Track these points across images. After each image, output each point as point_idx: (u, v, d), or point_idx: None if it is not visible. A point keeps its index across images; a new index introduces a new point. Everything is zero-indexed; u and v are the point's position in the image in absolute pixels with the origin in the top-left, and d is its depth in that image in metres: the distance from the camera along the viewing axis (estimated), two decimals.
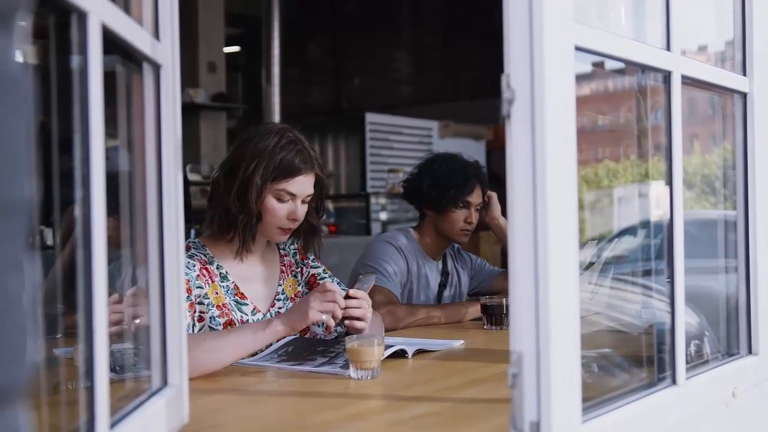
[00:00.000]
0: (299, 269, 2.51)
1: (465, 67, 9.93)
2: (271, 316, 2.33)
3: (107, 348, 1.07)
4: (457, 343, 2.42)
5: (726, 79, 1.84)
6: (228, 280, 2.30)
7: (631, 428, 1.43)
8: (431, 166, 3.15)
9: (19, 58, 0.60)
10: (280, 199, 2.28)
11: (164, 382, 1.41)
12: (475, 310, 2.91)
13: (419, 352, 2.25)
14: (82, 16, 1.03)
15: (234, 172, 2.26)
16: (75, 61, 1.06)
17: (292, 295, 2.45)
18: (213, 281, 2.27)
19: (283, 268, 2.47)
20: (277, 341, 2.21)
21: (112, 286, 1.15)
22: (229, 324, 2.24)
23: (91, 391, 1.04)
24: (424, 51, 10.62)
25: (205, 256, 2.29)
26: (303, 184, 2.29)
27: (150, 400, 1.33)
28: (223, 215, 2.28)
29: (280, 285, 2.43)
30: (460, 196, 3.08)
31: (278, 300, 2.41)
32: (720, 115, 2.05)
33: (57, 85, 1.08)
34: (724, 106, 1.98)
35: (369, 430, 1.56)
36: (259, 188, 2.24)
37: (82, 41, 1.04)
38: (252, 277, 2.37)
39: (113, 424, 1.13)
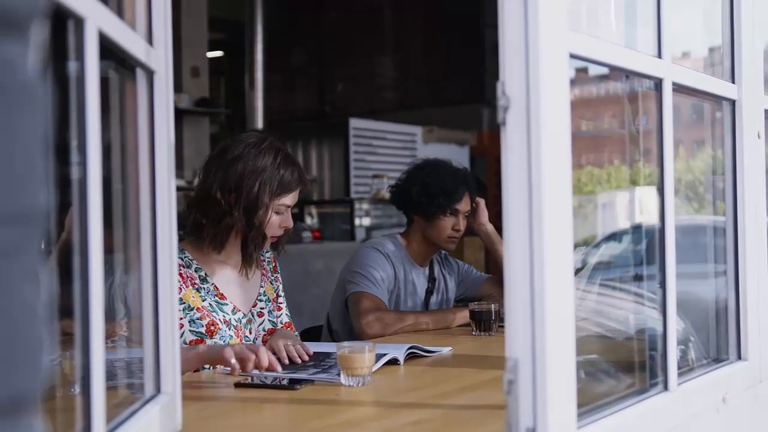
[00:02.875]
0: (274, 277, 2.60)
1: (449, 73, 9.96)
2: (252, 315, 2.43)
3: (104, 356, 1.06)
4: (446, 350, 2.42)
5: (715, 86, 1.85)
6: (208, 282, 2.35)
7: None
8: (421, 172, 3.15)
9: (34, 66, 0.60)
10: (277, 213, 2.37)
11: (157, 389, 1.41)
12: (463, 316, 2.91)
13: (411, 357, 2.25)
14: (79, 22, 1.03)
15: (236, 190, 2.30)
16: (71, 66, 1.06)
17: (272, 298, 2.54)
18: (188, 285, 2.30)
19: (264, 271, 2.54)
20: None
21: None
22: (211, 324, 2.29)
23: (87, 398, 1.03)
24: (407, 56, 10.63)
25: (182, 259, 2.31)
26: (296, 196, 2.42)
27: (144, 407, 1.33)
28: (224, 232, 2.33)
29: (262, 287, 2.51)
30: (449, 204, 3.07)
31: (260, 300, 2.48)
32: (704, 121, 2.06)
33: (52, 90, 1.07)
34: (712, 112, 2.00)
35: None
36: (266, 207, 2.32)
37: (79, 47, 1.04)
38: (233, 280, 2.42)
39: None
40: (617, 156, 2.12)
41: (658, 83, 1.58)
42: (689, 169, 2.17)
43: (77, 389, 1.19)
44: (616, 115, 2.00)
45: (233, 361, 1.95)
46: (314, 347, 2.32)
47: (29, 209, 0.58)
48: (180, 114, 7.64)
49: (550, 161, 1.20)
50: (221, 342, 2.28)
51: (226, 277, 2.41)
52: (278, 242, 2.48)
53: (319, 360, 2.20)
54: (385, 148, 8.54)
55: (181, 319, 2.24)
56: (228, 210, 2.30)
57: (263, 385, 1.93)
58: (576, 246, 2.18)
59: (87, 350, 1.03)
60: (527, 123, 1.20)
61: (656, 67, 1.56)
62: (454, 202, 3.08)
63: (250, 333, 2.41)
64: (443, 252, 3.30)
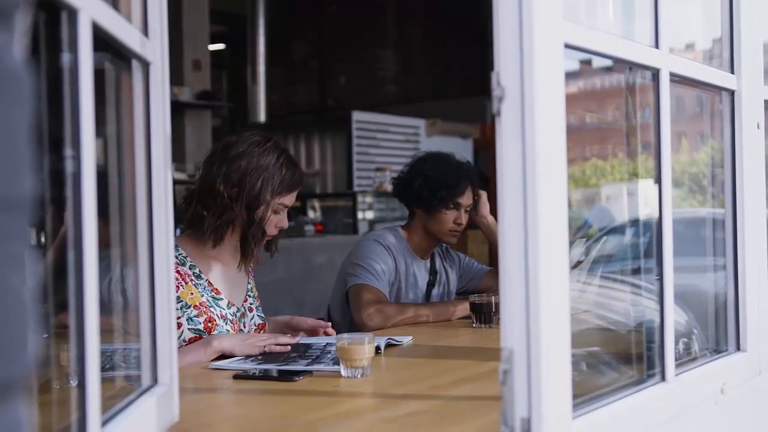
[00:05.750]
0: (254, 277, 2.64)
1: (451, 65, 9.96)
2: (245, 309, 2.48)
3: (98, 347, 1.06)
4: (407, 339, 2.46)
5: (714, 77, 1.84)
6: (202, 279, 2.38)
7: (622, 424, 1.43)
8: (423, 165, 3.15)
9: (19, 55, 0.60)
10: (275, 212, 2.40)
11: (154, 380, 1.41)
12: (463, 309, 2.91)
13: (388, 346, 2.30)
14: (73, 13, 1.03)
15: (238, 185, 2.33)
16: (65, 58, 1.06)
17: (256, 295, 2.59)
18: (187, 282, 2.33)
19: (250, 269, 2.58)
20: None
21: (100, 286, 1.15)
22: (209, 321, 2.32)
23: (82, 389, 1.04)
24: (409, 49, 10.63)
25: (176, 257, 2.32)
26: (294, 197, 2.46)
27: (140, 398, 1.33)
28: (225, 225, 2.35)
29: (249, 283, 2.56)
30: (451, 198, 3.07)
31: (249, 296, 2.53)
32: (707, 112, 2.06)
33: (45, 82, 1.07)
34: (712, 103, 1.99)
35: (360, 429, 1.56)
36: (267, 204, 2.35)
37: (73, 38, 1.04)
38: (224, 276, 2.46)
39: (104, 422, 1.12)
40: (621, 148, 2.11)
41: (655, 74, 1.58)
42: (693, 162, 2.16)
43: (76, 381, 1.20)
44: (620, 108, 2.00)
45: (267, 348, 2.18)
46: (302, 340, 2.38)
47: (14, 196, 0.58)
48: (182, 107, 7.64)
49: (544, 152, 1.20)
50: None
51: (218, 272, 2.44)
52: (272, 242, 2.50)
53: (303, 351, 2.20)
54: (388, 141, 8.54)
55: (179, 318, 2.26)
56: (229, 204, 2.33)
57: (261, 377, 1.93)
58: (580, 238, 2.18)
59: (81, 341, 1.04)
60: (521, 114, 1.20)
61: (653, 58, 1.56)
62: (456, 196, 3.08)
63: (244, 327, 2.45)
64: (444, 245, 3.30)
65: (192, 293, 2.33)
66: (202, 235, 2.37)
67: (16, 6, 0.59)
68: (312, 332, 2.51)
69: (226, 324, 2.36)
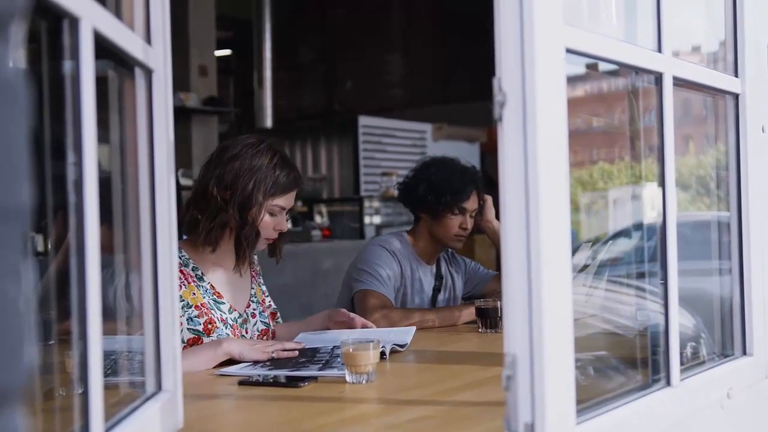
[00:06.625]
0: (260, 281, 2.63)
1: (457, 69, 9.94)
2: (247, 315, 2.47)
3: (101, 354, 1.07)
4: (410, 330, 2.50)
5: (718, 80, 1.84)
6: (204, 281, 2.39)
7: (626, 429, 1.43)
8: (428, 170, 3.14)
9: (15, 63, 0.60)
10: (271, 214, 2.40)
11: (158, 387, 1.41)
12: (469, 313, 2.90)
13: (393, 352, 2.30)
14: (74, 22, 1.03)
15: (231, 187, 2.34)
16: (67, 66, 1.06)
17: (261, 300, 2.57)
18: (189, 282, 2.35)
19: (254, 273, 2.58)
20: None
21: (105, 293, 1.15)
22: (209, 323, 2.33)
23: (85, 396, 1.04)
24: (415, 53, 10.62)
25: (180, 259, 2.33)
26: (292, 199, 2.45)
27: (144, 404, 1.33)
28: (219, 228, 2.35)
29: (253, 288, 2.55)
30: (456, 203, 3.07)
31: (252, 302, 2.53)
32: (714, 115, 2.05)
33: (48, 90, 1.08)
34: (717, 107, 1.99)
35: None
36: (260, 205, 2.35)
37: (74, 46, 1.04)
38: (227, 280, 2.46)
39: (108, 429, 1.13)
40: (628, 152, 2.11)
41: (659, 77, 1.57)
42: (700, 164, 2.16)
43: (82, 389, 1.20)
44: (627, 111, 2.00)
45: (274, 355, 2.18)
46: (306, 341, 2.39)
47: (11, 206, 0.58)
48: (188, 113, 7.65)
49: (546, 157, 1.20)
50: None
51: (221, 277, 2.44)
52: (275, 247, 2.49)
53: (311, 356, 2.20)
54: (395, 146, 8.54)
55: (180, 317, 2.25)
56: (223, 206, 2.33)
57: (266, 383, 1.93)
58: (586, 242, 2.17)
59: (84, 349, 1.04)
60: (523, 119, 1.20)
61: (656, 61, 1.56)
62: (462, 201, 3.08)
63: (246, 332, 2.45)
64: (450, 250, 3.30)
65: (194, 293, 2.34)
66: (199, 238, 2.37)
67: (11, 16, 0.59)
68: (347, 325, 2.53)
69: (225, 328, 2.36)
